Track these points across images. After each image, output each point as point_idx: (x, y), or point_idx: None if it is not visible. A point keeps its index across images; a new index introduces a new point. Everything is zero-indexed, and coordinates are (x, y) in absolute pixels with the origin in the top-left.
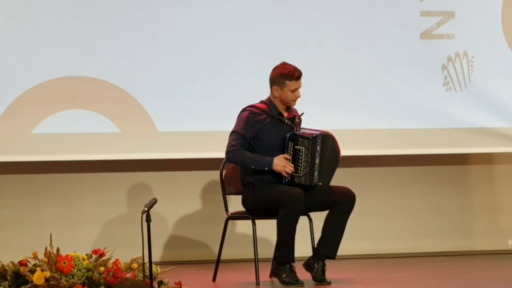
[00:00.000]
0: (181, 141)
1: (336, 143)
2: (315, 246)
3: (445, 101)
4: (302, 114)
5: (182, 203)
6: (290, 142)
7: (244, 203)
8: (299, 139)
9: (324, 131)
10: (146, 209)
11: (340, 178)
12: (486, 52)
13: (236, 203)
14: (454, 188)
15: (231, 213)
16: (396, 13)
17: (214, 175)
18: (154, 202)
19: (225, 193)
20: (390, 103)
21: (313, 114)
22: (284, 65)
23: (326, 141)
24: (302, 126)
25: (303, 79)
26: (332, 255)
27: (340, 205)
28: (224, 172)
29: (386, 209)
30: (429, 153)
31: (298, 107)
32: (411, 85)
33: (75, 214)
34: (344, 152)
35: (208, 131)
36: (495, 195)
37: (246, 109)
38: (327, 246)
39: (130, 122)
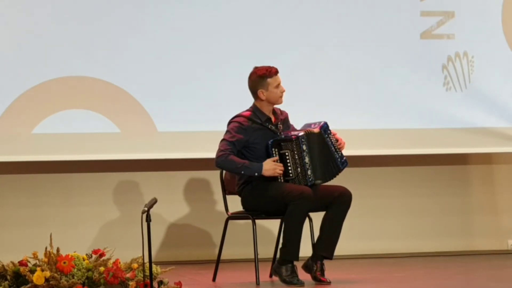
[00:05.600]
0: (181, 141)
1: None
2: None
3: (445, 101)
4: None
5: (182, 203)
6: (273, 149)
7: (244, 204)
8: (282, 144)
9: (307, 130)
10: (146, 209)
11: (340, 178)
12: (486, 52)
13: (236, 203)
14: (454, 188)
15: (231, 213)
16: (396, 13)
17: (214, 175)
18: (154, 202)
19: (225, 193)
20: (390, 103)
21: (313, 114)
22: (256, 68)
23: (314, 137)
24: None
25: (303, 79)
26: (329, 256)
27: (336, 205)
28: (224, 172)
29: (386, 209)
30: (429, 153)
31: (299, 105)
32: (411, 85)
33: (75, 214)
34: (343, 152)
35: (208, 131)
36: (495, 195)
37: (233, 120)
38: (324, 246)
39: (130, 122)
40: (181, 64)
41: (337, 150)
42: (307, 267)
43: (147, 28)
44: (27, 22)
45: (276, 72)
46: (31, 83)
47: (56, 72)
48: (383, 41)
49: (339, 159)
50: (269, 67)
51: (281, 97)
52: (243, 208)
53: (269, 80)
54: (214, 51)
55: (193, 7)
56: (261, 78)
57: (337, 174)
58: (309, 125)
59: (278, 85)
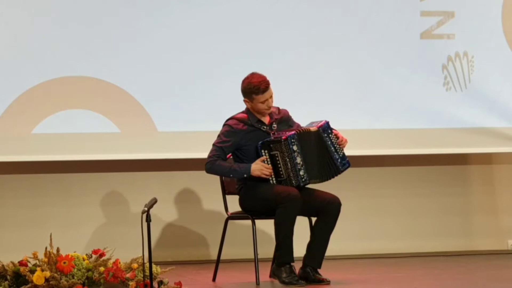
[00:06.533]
0: (181, 141)
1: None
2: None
3: (445, 101)
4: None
5: (182, 203)
6: (263, 150)
7: (241, 204)
8: (271, 145)
9: (303, 129)
10: (146, 209)
11: (339, 178)
12: (486, 52)
13: (236, 203)
14: (454, 188)
15: (231, 213)
16: (396, 13)
17: (214, 175)
18: (154, 202)
19: (225, 193)
20: (390, 103)
21: (313, 114)
22: (251, 78)
23: (309, 136)
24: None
25: (303, 79)
26: (318, 266)
27: (325, 214)
28: None
29: (386, 209)
30: (429, 153)
31: (299, 106)
32: (411, 85)
33: (75, 214)
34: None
35: (208, 131)
36: (495, 195)
37: (226, 123)
38: (312, 257)
39: (130, 122)
40: (181, 64)
41: (338, 150)
42: (302, 278)
43: (147, 28)
44: (27, 22)
45: (265, 90)
46: (31, 83)
47: (56, 72)
48: (383, 41)
49: (339, 160)
50: (260, 82)
51: (266, 109)
52: (241, 208)
53: (254, 96)
54: (214, 51)
55: (193, 8)
56: (248, 91)
57: (336, 175)
58: (312, 124)
59: (264, 101)
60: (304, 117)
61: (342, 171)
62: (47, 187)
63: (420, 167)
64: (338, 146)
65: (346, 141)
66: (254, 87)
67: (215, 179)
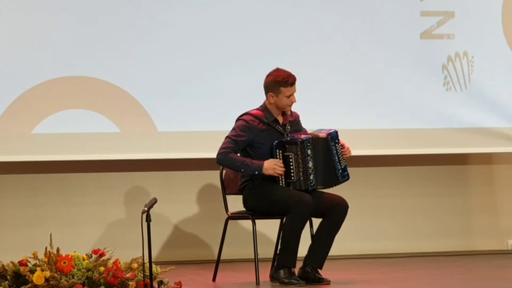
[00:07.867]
0: (181, 141)
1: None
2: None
3: (445, 101)
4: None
5: (182, 203)
6: (277, 150)
7: (245, 202)
8: (286, 146)
9: (314, 134)
10: (146, 209)
11: None
12: (486, 52)
13: (236, 203)
14: (454, 188)
15: (231, 213)
16: (396, 13)
17: (214, 175)
18: (154, 202)
19: (225, 193)
20: (390, 103)
21: (313, 114)
22: (278, 71)
23: (319, 142)
24: (305, 127)
25: (303, 79)
26: (320, 267)
27: (331, 216)
28: (224, 172)
29: (386, 209)
30: (429, 153)
31: (298, 106)
32: (411, 85)
33: (75, 214)
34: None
35: (208, 131)
36: (495, 195)
37: (241, 118)
38: (314, 258)
39: (130, 122)
40: (181, 64)
41: (341, 161)
42: (302, 278)
43: (147, 28)
44: (27, 22)
45: (293, 83)
46: (31, 83)
47: (56, 72)
48: (383, 41)
49: (340, 171)
50: (288, 76)
51: (289, 105)
52: (244, 206)
53: (282, 89)
54: (214, 51)
55: (193, 7)
56: (276, 83)
57: (335, 185)
58: (320, 130)
59: (290, 96)
60: (304, 117)
61: (341, 183)
62: (47, 187)
63: (420, 167)
64: (342, 157)
65: (350, 151)
66: (284, 79)
67: (216, 179)
